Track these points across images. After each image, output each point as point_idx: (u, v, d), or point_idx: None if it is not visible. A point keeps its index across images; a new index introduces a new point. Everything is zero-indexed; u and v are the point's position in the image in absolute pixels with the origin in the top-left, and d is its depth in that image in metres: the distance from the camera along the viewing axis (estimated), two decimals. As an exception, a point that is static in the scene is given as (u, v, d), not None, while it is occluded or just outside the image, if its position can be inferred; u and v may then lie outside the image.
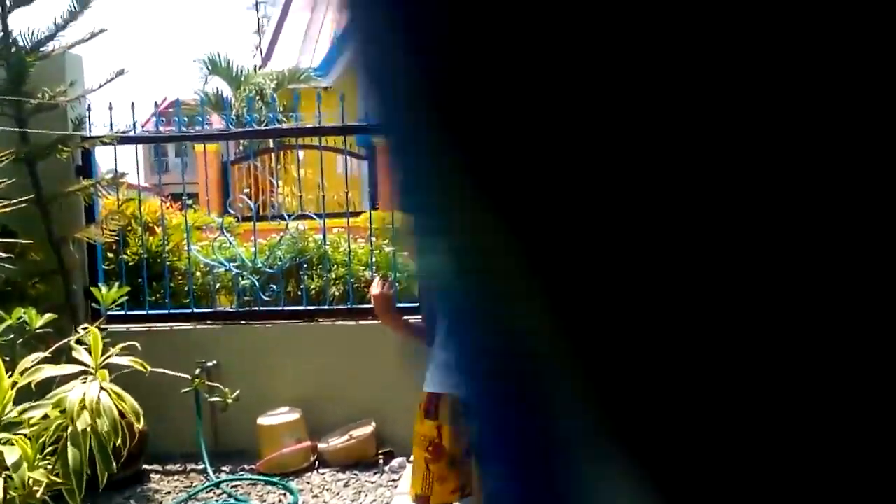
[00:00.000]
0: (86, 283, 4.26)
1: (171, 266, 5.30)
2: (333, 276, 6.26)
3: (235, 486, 3.80)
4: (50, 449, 1.40)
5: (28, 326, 3.04)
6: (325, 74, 12.63)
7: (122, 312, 4.29)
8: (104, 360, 1.53)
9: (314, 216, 5.04)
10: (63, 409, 1.39)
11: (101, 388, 1.45)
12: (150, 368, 1.68)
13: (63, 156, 4.00)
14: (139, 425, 1.57)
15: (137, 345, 1.73)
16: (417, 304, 3.47)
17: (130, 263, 4.95)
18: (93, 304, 4.05)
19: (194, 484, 3.86)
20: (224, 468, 4.04)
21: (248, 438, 4.11)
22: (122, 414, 1.57)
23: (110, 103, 4.39)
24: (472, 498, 2.68)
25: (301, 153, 5.72)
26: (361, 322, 4.32)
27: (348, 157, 4.75)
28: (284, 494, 3.69)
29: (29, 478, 1.32)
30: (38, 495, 1.37)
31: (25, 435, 1.38)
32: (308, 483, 3.83)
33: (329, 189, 4.77)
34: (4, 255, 3.10)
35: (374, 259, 4.99)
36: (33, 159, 3.87)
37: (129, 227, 5.14)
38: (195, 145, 6.64)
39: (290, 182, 9.10)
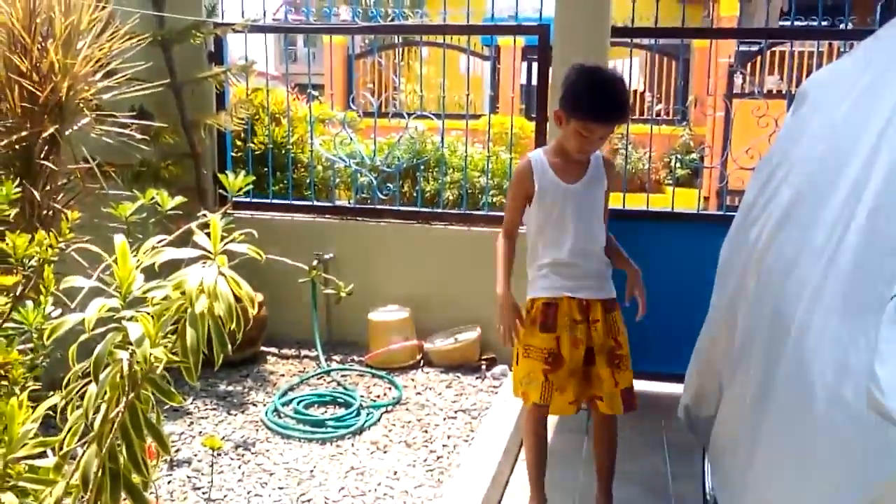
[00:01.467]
0: (215, 169, 4.41)
1: (295, 158, 5.41)
2: (449, 180, 6.24)
3: (345, 376, 3.94)
4: (171, 328, 1.45)
5: (160, 207, 3.18)
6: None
7: (247, 200, 4.44)
8: (223, 246, 1.55)
9: (433, 116, 4.97)
10: (183, 291, 1.43)
11: (220, 272, 1.48)
12: (265, 256, 1.70)
13: (196, 41, 4.07)
14: (254, 311, 1.60)
15: (255, 232, 1.75)
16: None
17: (257, 152, 5.09)
18: (220, 190, 4.20)
19: (307, 369, 4.04)
20: (335, 357, 4.20)
21: (358, 331, 4.23)
22: (238, 299, 1.59)
23: (242, -10, 4.40)
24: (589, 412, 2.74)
25: (424, 50, 5.61)
26: (473, 228, 4.29)
27: (471, 57, 4.60)
28: (389, 388, 3.80)
29: (150, 354, 1.37)
30: (158, 371, 1.43)
31: (148, 313, 1.43)
32: (412, 380, 3.92)
33: (450, 89, 4.66)
34: (140, 136, 3.22)
35: (489, 166, 4.89)
36: (169, 43, 3.96)
37: (257, 117, 5.25)
38: (323, 37, 6.63)
39: (412, 80, 9.05)
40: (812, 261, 1.78)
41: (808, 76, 2.87)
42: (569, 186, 2.64)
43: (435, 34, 5.20)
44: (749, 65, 8.89)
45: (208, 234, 1.56)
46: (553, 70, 3.96)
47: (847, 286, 1.56)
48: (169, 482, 2.80)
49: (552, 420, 2.91)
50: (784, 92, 5.55)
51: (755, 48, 8.73)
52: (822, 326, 1.62)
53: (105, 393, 1.36)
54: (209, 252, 1.51)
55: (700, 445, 2.90)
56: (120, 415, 1.35)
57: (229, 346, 1.56)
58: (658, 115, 11.07)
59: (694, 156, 9.03)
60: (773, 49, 8.50)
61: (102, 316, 1.38)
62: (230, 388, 3.75)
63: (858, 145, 1.75)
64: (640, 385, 2.97)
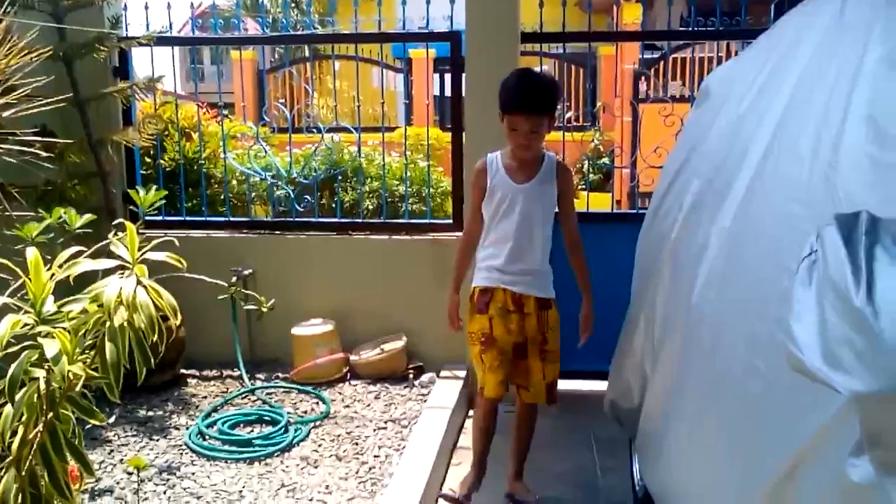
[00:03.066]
0: (124, 187, 4.26)
1: (208, 173, 5.28)
2: (367, 189, 6.21)
3: (270, 394, 3.86)
4: (89, 343, 1.39)
5: (68, 227, 3.05)
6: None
7: (160, 218, 4.30)
8: (140, 255, 1.50)
9: (350, 129, 4.96)
10: (101, 304, 1.37)
11: (138, 282, 1.43)
12: (185, 268, 1.66)
13: (100, 56, 3.93)
14: (176, 322, 1.56)
15: (175, 240, 1.71)
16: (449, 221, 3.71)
17: (167, 169, 4.94)
18: (131, 208, 4.06)
19: (230, 390, 3.93)
20: (259, 375, 4.11)
21: (282, 347, 4.16)
22: (163, 317, 1.55)
23: (146, 3, 4.28)
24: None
25: (337, 64, 5.59)
26: (394, 237, 4.28)
27: (384, 71, 4.61)
28: (317, 403, 3.74)
29: (69, 371, 1.31)
30: (78, 388, 1.37)
31: (65, 328, 1.37)
32: (340, 393, 3.87)
33: (364, 102, 4.66)
34: (45, 155, 3.07)
35: (408, 174, 4.90)
36: (70, 58, 3.80)
37: (166, 132, 5.10)
38: (231, 53, 6.51)
39: (326, 94, 9.00)
40: (720, 244, 1.87)
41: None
42: (517, 186, 2.77)
43: (346, 42, 5.19)
44: (653, 70, 9.23)
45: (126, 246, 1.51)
46: (466, 76, 4.01)
47: (753, 265, 1.64)
48: (90, 513, 2.68)
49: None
50: (688, 96, 5.77)
51: (658, 55, 9.08)
52: (732, 304, 1.70)
53: (22, 414, 1.29)
54: (126, 261, 1.46)
55: (627, 437, 2.98)
56: (39, 436, 1.29)
57: (151, 360, 1.51)
58: (569, 122, 11.33)
59: (605, 160, 9.29)
60: (675, 56, 8.84)
61: (16, 333, 1.31)
62: (150, 413, 3.62)
63: (759, 131, 1.85)
64: (565, 385, 3.04)
